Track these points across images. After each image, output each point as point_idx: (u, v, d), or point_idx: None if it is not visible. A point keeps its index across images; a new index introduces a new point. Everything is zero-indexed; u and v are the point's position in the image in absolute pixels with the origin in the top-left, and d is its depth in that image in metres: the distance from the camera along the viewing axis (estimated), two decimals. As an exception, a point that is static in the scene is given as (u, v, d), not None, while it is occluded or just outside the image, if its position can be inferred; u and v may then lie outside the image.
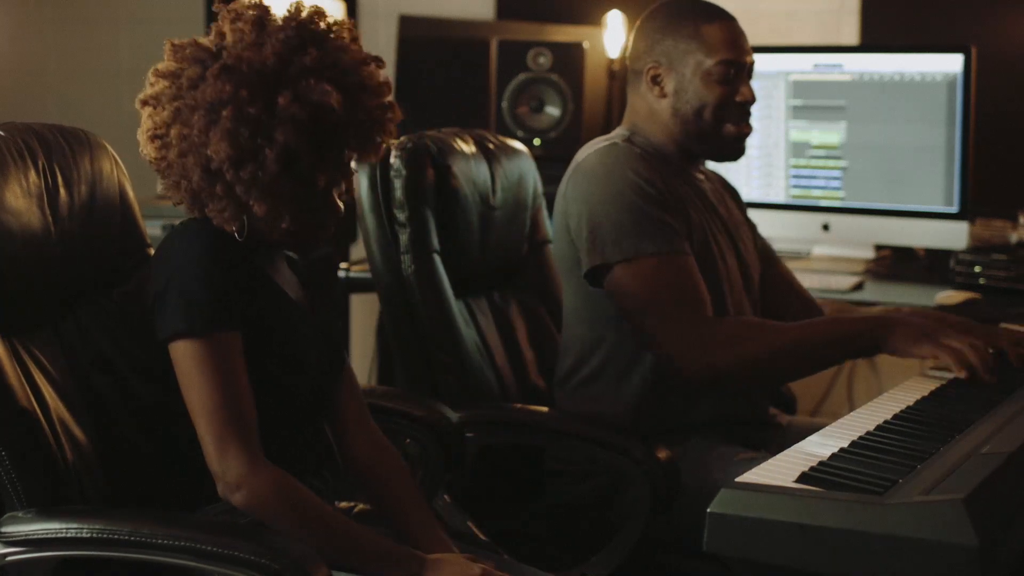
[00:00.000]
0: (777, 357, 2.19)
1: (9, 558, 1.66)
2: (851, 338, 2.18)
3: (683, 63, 2.33)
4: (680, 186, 2.35)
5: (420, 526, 1.85)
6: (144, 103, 1.76)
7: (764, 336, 2.19)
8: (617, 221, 2.22)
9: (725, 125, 2.35)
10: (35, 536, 1.64)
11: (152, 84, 1.75)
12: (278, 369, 1.77)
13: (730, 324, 2.23)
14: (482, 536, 2.22)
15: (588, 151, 2.36)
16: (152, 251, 1.99)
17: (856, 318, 2.26)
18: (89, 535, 1.62)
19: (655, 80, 2.35)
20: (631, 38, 2.44)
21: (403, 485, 1.90)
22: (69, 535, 1.63)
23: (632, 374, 2.30)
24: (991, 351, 2.14)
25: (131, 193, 1.96)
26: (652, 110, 2.37)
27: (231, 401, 1.66)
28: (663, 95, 2.34)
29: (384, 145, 1.80)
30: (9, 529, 1.65)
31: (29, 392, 1.71)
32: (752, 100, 2.36)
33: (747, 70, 2.37)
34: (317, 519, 1.67)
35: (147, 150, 1.77)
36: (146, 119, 1.76)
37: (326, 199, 1.77)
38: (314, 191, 1.74)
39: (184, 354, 1.67)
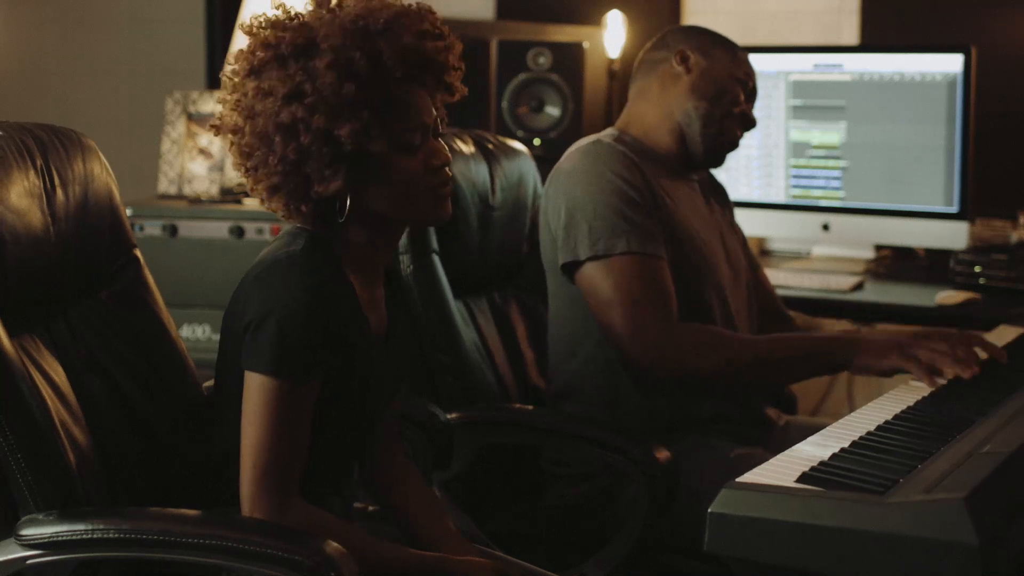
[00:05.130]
0: (743, 369, 2.20)
1: (29, 561, 1.62)
2: (818, 356, 2.19)
3: (715, 57, 2.42)
4: (668, 186, 2.36)
5: (443, 542, 1.86)
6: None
7: (732, 347, 2.20)
8: (592, 219, 2.23)
9: (730, 123, 2.41)
10: (59, 539, 1.60)
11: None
12: (339, 404, 1.75)
13: (697, 330, 2.22)
14: (476, 531, 2.22)
15: (576, 146, 2.39)
16: (138, 252, 1.98)
17: (826, 336, 2.29)
18: (117, 536, 1.60)
19: (683, 58, 2.40)
20: (657, 38, 2.48)
21: (424, 503, 1.92)
22: (95, 536, 1.60)
23: (615, 373, 2.30)
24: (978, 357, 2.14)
25: (117, 194, 1.96)
26: (664, 93, 2.41)
27: (284, 449, 1.65)
28: (687, 71, 2.39)
29: (452, 83, 1.77)
30: (29, 532, 1.62)
31: (35, 394, 1.69)
32: (753, 124, 2.47)
33: (753, 100, 2.48)
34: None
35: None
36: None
37: (399, 167, 1.71)
38: (372, 158, 1.69)
39: (259, 389, 1.65)
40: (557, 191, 2.31)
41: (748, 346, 2.22)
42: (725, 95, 2.40)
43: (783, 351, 2.21)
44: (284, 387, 1.65)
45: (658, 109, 2.41)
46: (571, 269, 2.27)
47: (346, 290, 1.73)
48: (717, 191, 2.61)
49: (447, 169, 1.76)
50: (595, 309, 2.24)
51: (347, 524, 1.73)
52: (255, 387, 1.65)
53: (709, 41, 2.43)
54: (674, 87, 2.40)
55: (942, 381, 2.05)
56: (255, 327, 1.65)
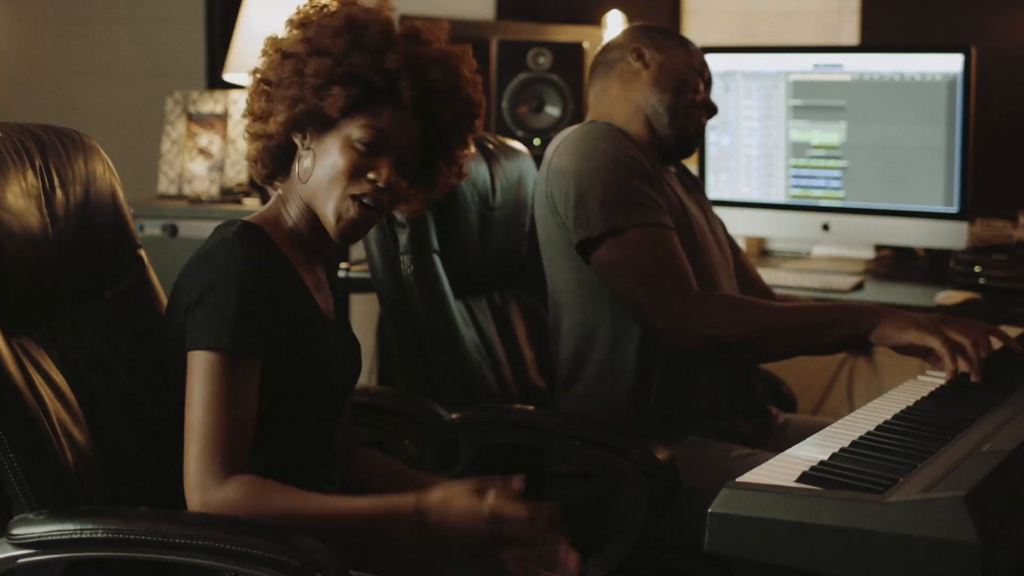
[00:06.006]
0: (769, 333, 2.20)
1: (20, 560, 1.63)
2: (841, 322, 2.18)
3: (670, 50, 2.45)
4: (660, 169, 2.38)
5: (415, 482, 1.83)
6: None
7: (756, 312, 2.21)
8: (603, 194, 2.24)
9: (694, 112, 2.44)
10: (48, 538, 1.61)
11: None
12: (300, 385, 1.75)
13: (720, 297, 2.27)
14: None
15: (565, 132, 2.40)
16: (142, 252, 1.98)
17: (849, 304, 2.27)
18: (105, 535, 1.60)
19: (639, 55, 2.43)
20: (607, 43, 2.53)
21: (394, 471, 1.93)
22: (84, 536, 1.60)
23: (629, 354, 2.31)
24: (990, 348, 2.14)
25: (121, 195, 1.97)
26: (626, 90, 2.43)
27: (227, 426, 1.64)
28: (645, 67, 2.42)
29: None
30: (20, 531, 1.62)
31: (34, 394, 1.70)
32: (715, 110, 2.50)
33: (710, 88, 2.51)
34: (286, 515, 1.61)
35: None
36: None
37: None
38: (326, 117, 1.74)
39: (199, 365, 1.65)
40: (561, 169, 2.31)
41: (772, 312, 2.22)
42: (686, 85, 2.43)
43: (808, 316, 2.21)
44: (223, 361, 1.64)
45: (624, 106, 2.43)
46: (586, 248, 2.27)
47: (284, 266, 1.75)
48: (693, 181, 2.63)
49: (370, 206, 1.74)
50: (615, 284, 2.25)
51: (289, 490, 1.65)
52: (196, 364, 1.66)
53: (660, 36, 2.48)
54: (635, 83, 2.43)
55: (963, 367, 2.04)
56: (193, 307, 1.67)
